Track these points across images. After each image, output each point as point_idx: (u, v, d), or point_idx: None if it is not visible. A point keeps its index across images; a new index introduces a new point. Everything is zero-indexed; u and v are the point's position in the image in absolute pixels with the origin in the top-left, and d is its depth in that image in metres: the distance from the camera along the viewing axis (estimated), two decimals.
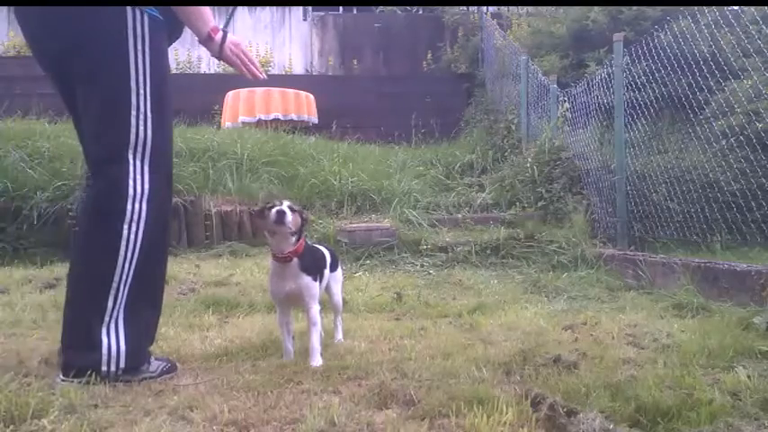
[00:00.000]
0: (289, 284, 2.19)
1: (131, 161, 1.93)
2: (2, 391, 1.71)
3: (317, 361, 2.14)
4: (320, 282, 2.29)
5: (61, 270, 4.12)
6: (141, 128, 1.94)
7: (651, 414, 1.65)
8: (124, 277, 1.91)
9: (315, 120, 8.75)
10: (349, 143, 7.93)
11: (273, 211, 2.07)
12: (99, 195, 1.95)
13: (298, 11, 11.83)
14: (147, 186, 1.94)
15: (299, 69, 11.40)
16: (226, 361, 2.23)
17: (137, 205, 1.92)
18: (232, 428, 1.58)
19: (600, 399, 1.73)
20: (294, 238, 2.14)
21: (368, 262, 4.88)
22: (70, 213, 5.17)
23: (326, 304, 2.63)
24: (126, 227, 1.91)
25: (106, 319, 1.91)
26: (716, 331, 2.56)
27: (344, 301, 2.91)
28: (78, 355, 1.90)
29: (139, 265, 1.93)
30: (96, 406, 1.70)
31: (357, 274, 4.45)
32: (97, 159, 1.97)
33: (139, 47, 1.93)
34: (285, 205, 2.10)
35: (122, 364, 1.90)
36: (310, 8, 11.76)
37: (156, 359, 2.06)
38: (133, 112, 1.93)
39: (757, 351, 2.27)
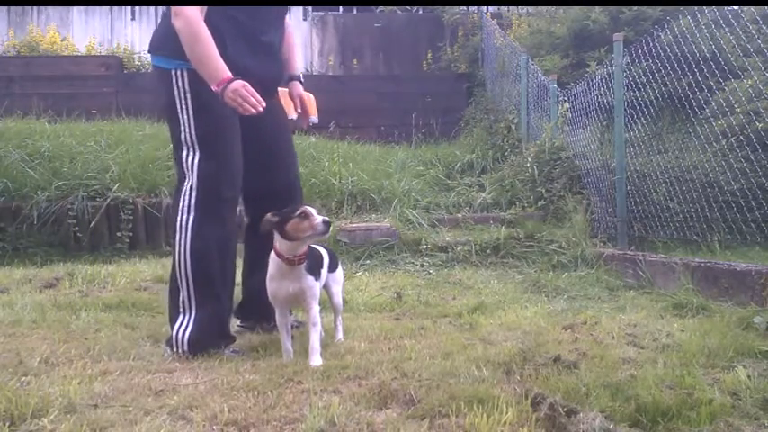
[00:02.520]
0: (292, 285, 2.22)
1: (183, 188, 2.38)
2: (2, 390, 1.71)
3: (316, 361, 2.14)
4: (319, 281, 2.31)
5: (61, 270, 4.11)
6: (189, 161, 2.37)
7: (651, 414, 1.65)
8: (184, 279, 2.35)
9: (315, 119, 8.72)
10: (349, 143, 7.92)
11: (321, 220, 2.13)
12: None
13: (298, 11, 11.81)
14: (192, 207, 2.35)
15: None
16: (225, 360, 2.23)
17: (183, 220, 2.36)
18: (232, 428, 1.58)
19: (600, 398, 1.73)
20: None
21: (368, 262, 4.88)
22: (70, 213, 5.18)
23: (326, 304, 2.63)
24: (177, 237, 2.37)
25: (180, 309, 2.37)
26: (716, 331, 2.56)
27: (344, 301, 2.91)
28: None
29: (194, 269, 2.34)
30: (96, 406, 1.70)
31: (357, 274, 4.45)
32: None
33: (182, 96, 2.37)
34: (315, 211, 2.17)
35: (186, 349, 2.30)
36: (310, 8, 11.75)
37: (233, 351, 2.37)
38: (183, 148, 2.39)
39: (757, 351, 2.27)
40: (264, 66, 2.51)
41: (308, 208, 2.18)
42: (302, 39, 11.75)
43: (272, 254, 2.24)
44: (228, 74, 2.23)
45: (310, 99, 2.87)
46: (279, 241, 2.20)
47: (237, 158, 2.46)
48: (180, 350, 2.29)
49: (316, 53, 11.65)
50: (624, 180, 4.96)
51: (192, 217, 2.35)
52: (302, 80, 2.80)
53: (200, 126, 2.36)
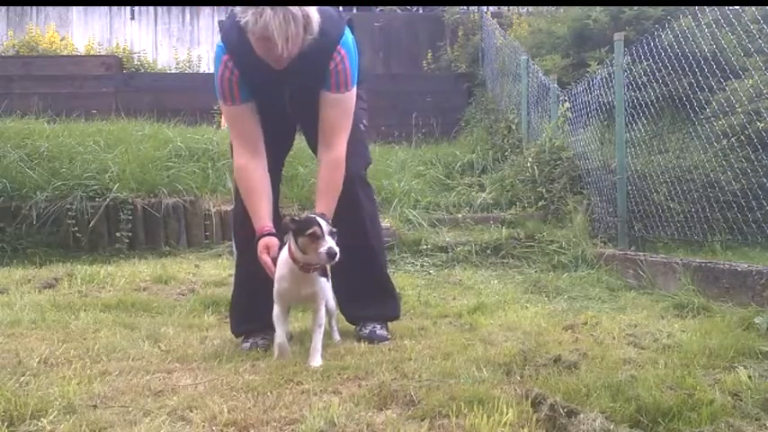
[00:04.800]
0: (305, 289, 2.22)
1: None
2: (1, 391, 1.71)
3: (316, 361, 2.14)
4: (328, 280, 2.34)
5: (60, 270, 4.11)
6: None
7: (652, 414, 1.64)
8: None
9: None
10: None
11: (326, 249, 2.06)
12: None
13: None
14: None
15: None
16: (225, 361, 2.22)
17: None
18: (231, 429, 1.57)
19: (600, 399, 1.73)
20: None
21: None
22: (69, 213, 5.17)
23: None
24: None
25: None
26: (717, 331, 2.55)
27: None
28: None
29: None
30: (95, 406, 1.70)
31: None
32: None
33: None
34: (327, 233, 2.08)
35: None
36: None
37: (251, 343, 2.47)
38: None
39: (758, 351, 2.26)
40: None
41: (319, 227, 2.09)
42: None
43: (285, 254, 2.21)
44: (264, 227, 2.28)
45: None
46: (294, 246, 2.16)
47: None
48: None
49: None
50: (625, 180, 4.95)
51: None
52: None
53: None
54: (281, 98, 2.42)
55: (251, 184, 2.34)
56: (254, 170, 2.34)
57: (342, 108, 2.40)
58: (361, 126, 2.63)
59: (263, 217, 2.29)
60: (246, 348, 2.44)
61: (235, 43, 2.26)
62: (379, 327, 2.59)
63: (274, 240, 2.26)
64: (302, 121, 2.62)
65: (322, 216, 2.16)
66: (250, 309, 2.51)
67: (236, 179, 2.41)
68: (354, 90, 2.45)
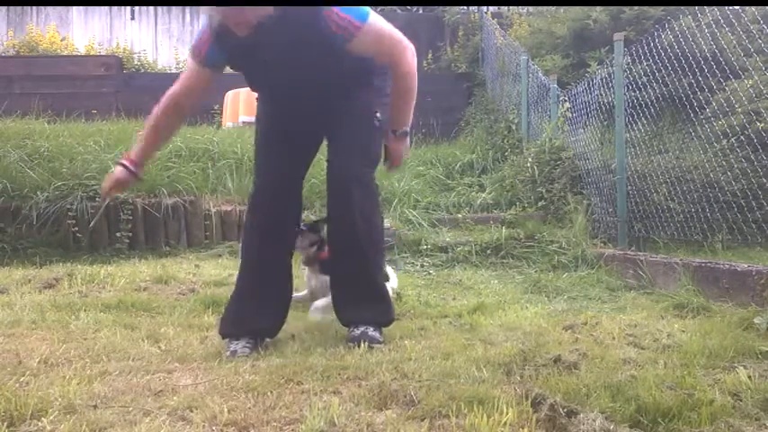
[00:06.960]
0: (311, 282, 2.79)
1: None
2: (1, 391, 1.71)
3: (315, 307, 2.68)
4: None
5: (60, 270, 4.11)
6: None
7: (652, 414, 1.65)
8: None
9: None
10: None
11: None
12: None
13: None
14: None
15: None
16: (225, 361, 2.22)
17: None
18: (232, 429, 1.58)
19: (600, 399, 1.73)
20: (313, 249, 2.73)
21: None
22: (70, 213, 5.17)
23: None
24: None
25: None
26: (716, 331, 2.55)
27: None
28: None
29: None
30: (95, 406, 1.70)
31: None
32: None
33: None
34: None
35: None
36: None
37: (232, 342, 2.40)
38: None
39: (758, 351, 2.27)
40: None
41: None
42: None
43: None
44: (128, 157, 2.46)
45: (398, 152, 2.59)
46: None
47: (271, 172, 2.57)
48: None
49: None
50: (625, 180, 4.95)
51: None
52: (396, 134, 2.51)
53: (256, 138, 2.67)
54: (287, 83, 2.41)
55: (157, 119, 2.44)
56: (168, 107, 2.42)
57: (372, 38, 2.21)
58: (375, 122, 2.50)
59: (138, 147, 2.44)
60: (228, 353, 2.35)
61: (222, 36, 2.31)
62: (371, 329, 2.51)
63: (125, 173, 2.42)
64: (322, 113, 2.54)
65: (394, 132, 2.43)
66: (238, 312, 2.49)
67: (161, 102, 2.44)
68: (372, 17, 2.19)
